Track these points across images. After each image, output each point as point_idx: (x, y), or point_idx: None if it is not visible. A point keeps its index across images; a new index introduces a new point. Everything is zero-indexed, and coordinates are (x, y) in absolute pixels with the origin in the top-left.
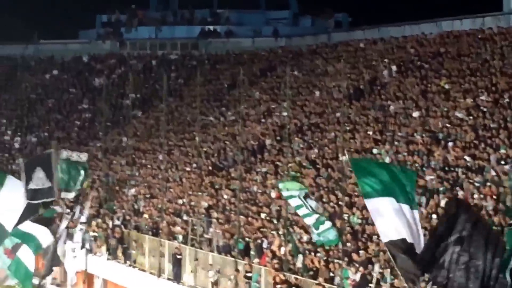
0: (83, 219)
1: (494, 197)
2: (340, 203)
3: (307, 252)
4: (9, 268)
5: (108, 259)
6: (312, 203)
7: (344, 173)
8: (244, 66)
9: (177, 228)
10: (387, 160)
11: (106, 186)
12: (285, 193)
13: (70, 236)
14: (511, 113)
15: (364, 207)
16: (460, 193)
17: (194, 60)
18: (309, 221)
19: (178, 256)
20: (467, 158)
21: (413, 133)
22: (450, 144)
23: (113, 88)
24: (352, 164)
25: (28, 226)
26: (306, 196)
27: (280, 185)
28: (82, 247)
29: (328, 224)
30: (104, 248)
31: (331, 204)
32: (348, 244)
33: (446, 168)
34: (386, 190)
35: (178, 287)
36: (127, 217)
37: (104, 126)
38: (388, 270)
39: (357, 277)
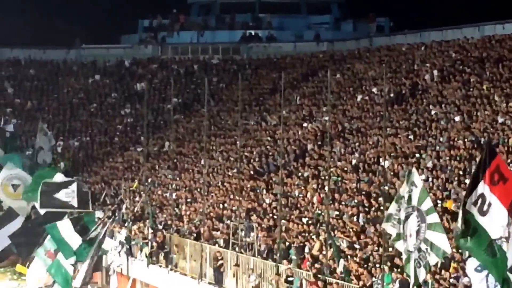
0: (125, 223)
1: None
2: (381, 208)
3: (348, 256)
4: (49, 270)
5: (149, 263)
6: None
7: (386, 178)
8: (285, 70)
9: (218, 233)
10: (430, 164)
11: (148, 190)
12: None
13: (112, 240)
14: None
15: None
16: None
17: (236, 64)
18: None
19: (220, 261)
20: (510, 163)
21: (455, 138)
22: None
23: (154, 93)
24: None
25: (65, 231)
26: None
27: None
28: (124, 250)
29: None
30: (145, 252)
31: (373, 209)
32: (390, 249)
33: None
34: None
35: None
36: (169, 222)
37: (146, 130)
38: (429, 275)
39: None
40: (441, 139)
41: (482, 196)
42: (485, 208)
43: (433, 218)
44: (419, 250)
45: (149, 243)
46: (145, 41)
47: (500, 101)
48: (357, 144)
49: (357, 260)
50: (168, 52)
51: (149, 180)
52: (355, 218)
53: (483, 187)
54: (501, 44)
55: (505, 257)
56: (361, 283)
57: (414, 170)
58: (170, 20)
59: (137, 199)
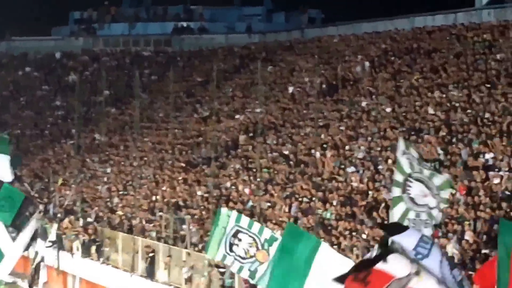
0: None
1: (466, 192)
2: (313, 199)
3: None
4: None
5: (81, 256)
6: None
7: (318, 168)
8: (217, 62)
9: (151, 225)
10: (361, 155)
11: (79, 183)
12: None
13: (43, 234)
14: (483, 108)
15: (339, 203)
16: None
17: (168, 56)
18: (244, 274)
19: (151, 254)
20: (440, 153)
21: (386, 128)
22: (422, 139)
23: (86, 85)
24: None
25: None
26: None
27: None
28: (55, 244)
29: (261, 269)
30: (77, 245)
31: (305, 199)
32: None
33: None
34: None
35: (151, 284)
36: (101, 214)
37: (77, 123)
38: None
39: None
40: (372, 130)
41: None
42: None
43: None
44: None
45: (81, 236)
46: (76, 33)
47: (431, 92)
48: (289, 135)
49: None
50: (100, 44)
51: (80, 173)
52: (287, 209)
53: None
54: (431, 36)
55: None
56: None
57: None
58: (101, 12)
59: (68, 192)
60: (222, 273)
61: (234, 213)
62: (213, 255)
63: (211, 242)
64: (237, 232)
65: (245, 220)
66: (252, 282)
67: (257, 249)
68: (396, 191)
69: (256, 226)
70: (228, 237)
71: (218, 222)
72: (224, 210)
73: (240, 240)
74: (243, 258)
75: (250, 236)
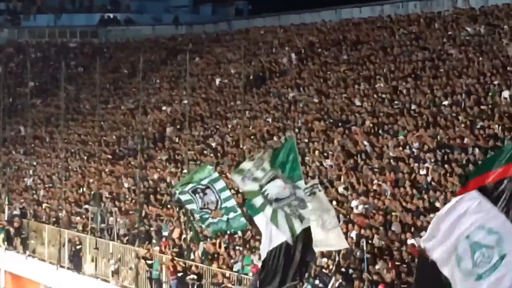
0: None
1: (392, 183)
2: (240, 190)
3: (208, 239)
4: None
5: (5, 249)
6: (209, 197)
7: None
8: (144, 54)
9: (77, 218)
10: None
11: (4, 176)
12: (178, 195)
13: None
14: (409, 100)
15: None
16: (360, 178)
17: (94, 48)
18: (197, 215)
19: (78, 246)
20: (366, 144)
21: (313, 120)
22: (349, 130)
23: (11, 77)
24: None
25: None
26: (203, 189)
27: (177, 191)
28: None
29: (212, 219)
30: (1, 237)
31: (232, 191)
32: (249, 232)
33: (346, 154)
34: None
35: (78, 277)
36: (26, 207)
37: (2, 115)
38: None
39: (259, 263)
40: (299, 122)
41: None
42: None
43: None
44: (290, 205)
45: (6, 228)
46: (1, 24)
47: (357, 84)
48: (216, 127)
49: (217, 242)
50: (25, 35)
51: (6, 165)
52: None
53: None
54: (358, 28)
55: None
56: (221, 265)
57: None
58: (27, 3)
59: None
60: (150, 265)
61: (216, 174)
62: (178, 188)
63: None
64: (207, 187)
65: (221, 183)
66: (203, 225)
67: (215, 208)
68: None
69: (226, 193)
70: (199, 185)
71: (199, 170)
72: (210, 166)
73: (205, 194)
74: (201, 209)
75: (216, 197)
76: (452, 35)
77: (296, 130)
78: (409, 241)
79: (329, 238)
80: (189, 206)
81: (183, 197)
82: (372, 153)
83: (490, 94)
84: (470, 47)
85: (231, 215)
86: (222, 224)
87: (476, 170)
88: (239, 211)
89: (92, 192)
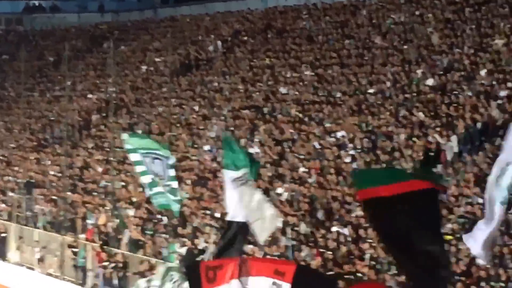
0: None
1: (318, 171)
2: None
3: (134, 227)
4: None
5: None
6: (157, 167)
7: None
8: (69, 41)
9: (2, 205)
10: (214, 134)
11: None
12: (127, 146)
13: None
14: (335, 88)
15: (194, 183)
16: (286, 166)
17: (19, 35)
18: (145, 179)
19: (3, 234)
20: (292, 132)
21: (239, 108)
22: (275, 118)
23: None
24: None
25: None
26: (154, 157)
27: (124, 136)
28: None
29: (160, 188)
30: None
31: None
32: (175, 219)
33: (272, 142)
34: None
35: (2, 264)
36: None
37: None
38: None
39: (183, 250)
40: (225, 109)
41: None
42: None
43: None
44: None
45: None
46: None
47: (283, 72)
48: (142, 115)
49: (143, 230)
50: None
51: None
52: (140, 189)
53: None
54: (284, 16)
55: None
56: (147, 252)
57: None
58: None
59: None
60: (75, 253)
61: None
62: (130, 142)
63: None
64: (158, 158)
65: (172, 160)
66: (150, 192)
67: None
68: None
69: (173, 172)
70: (151, 153)
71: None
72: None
73: (153, 163)
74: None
75: (163, 170)
76: (376, 24)
77: (222, 118)
78: (334, 229)
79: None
80: (138, 168)
81: (134, 156)
82: (297, 140)
83: (414, 82)
84: (395, 36)
85: (172, 197)
86: (164, 198)
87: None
88: (179, 197)
89: (26, 180)
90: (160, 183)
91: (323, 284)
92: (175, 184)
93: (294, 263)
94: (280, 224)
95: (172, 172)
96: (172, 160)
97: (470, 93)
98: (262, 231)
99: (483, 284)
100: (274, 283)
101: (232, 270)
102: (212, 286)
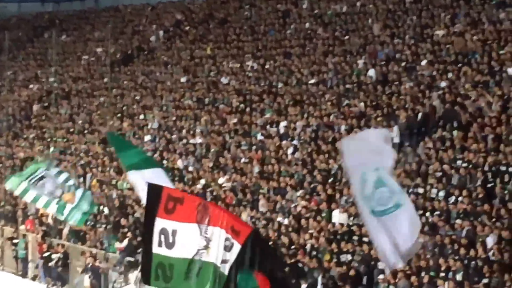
0: None
1: (260, 161)
2: (108, 168)
3: None
4: None
5: None
6: (49, 185)
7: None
8: (10, 31)
9: None
10: (156, 125)
11: None
12: (17, 192)
13: None
14: (276, 78)
15: None
16: (228, 156)
17: None
18: (52, 209)
19: None
20: (234, 122)
21: (181, 98)
22: (217, 108)
23: None
24: (109, 137)
25: None
26: (41, 178)
27: (7, 186)
28: None
29: (69, 206)
30: None
31: (100, 169)
32: (116, 211)
33: (214, 132)
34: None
35: None
36: None
37: None
38: None
39: (125, 242)
40: (167, 100)
41: (162, 231)
42: (170, 239)
43: None
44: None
45: None
46: None
47: (225, 62)
48: (83, 105)
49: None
50: None
51: None
52: (81, 179)
53: (160, 223)
54: (225, 6)
55: (208, 264)
56: (88, 243)
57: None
58: None
59: None
60: (15, 244)
61: (43, 164)
62: (13, 187)
63: (13, 177)
64: (42, 177)
65: (55, 170)
66: (61, 218)
67: (63, 192)
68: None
69: (65, 175)
70: (35, 178)
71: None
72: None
73: (42, 184)
74: (51, 195)
75: (54, 183)
76: (318, 14)
77: (164, 108)
78: (278, 219)
79: None
80: (39, 203)
81: (28, 197)
82: (240, 131)
83: (355, 73)
84: (337, 26)
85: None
86: (79, 211)
87: None
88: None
89: None
90: (66, 197)
91: (270, 254)
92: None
93: (251, 226)
94: None
95: (64, 176)
96: (55, 170)
97: (411, 84)
98: None
99: (423, 274)
100: (227, 239)
101: (191, 211)
102: (168, 217)
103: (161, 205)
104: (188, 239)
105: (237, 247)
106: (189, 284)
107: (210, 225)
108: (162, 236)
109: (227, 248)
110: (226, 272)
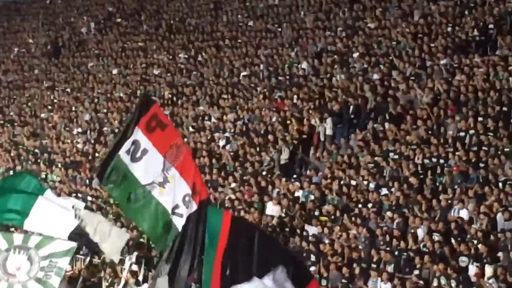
0: None
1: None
2: (38, 160)
3: None
4: None
5: None
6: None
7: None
8: None
9: None
10: (87, 117)
11: None
12: None
13: None
14: (207, 71)
15: (66, 166)
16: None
17: None
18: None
19: None
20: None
21: (113, 90)
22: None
23: None
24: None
25: None
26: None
27: None
28: None
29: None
30: None
31: (30, 161)
32: None
33: None
34: None
35: None
36: None
37: None
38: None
39: None
40: (98, 92)
41: (135, 142)
42: (138, 154)
43: None
44: None
45: None
46: None
47: (157, 54)
48: (13, 97)
49: None
50: None
51: None
52: (11, 173)
53: (137, 134)
54: None
55: (155, 201)
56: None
57: None
58: None
59: None
60: None
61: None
62: None
63: None
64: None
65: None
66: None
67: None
68: None
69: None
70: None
71: None
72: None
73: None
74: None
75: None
76: (250, 6)
77: (96, 100)
78: None
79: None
80: None
81: None
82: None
83: (287, 65)
84: (269, 19)
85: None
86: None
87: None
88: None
89: None
90: None
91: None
92: None
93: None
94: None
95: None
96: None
97: (343, 76)
98: (112, 251)
99: (355, 265)
100: (186, 195)
101: (166, 142)
102: (145, 133)
103: (145, 117)
104: (151, 166)
105: (194, 206)
106: (129, 206)
107: (174, 167)
108: (133, 147)
109: (186, 204)
110: (179, 226)
